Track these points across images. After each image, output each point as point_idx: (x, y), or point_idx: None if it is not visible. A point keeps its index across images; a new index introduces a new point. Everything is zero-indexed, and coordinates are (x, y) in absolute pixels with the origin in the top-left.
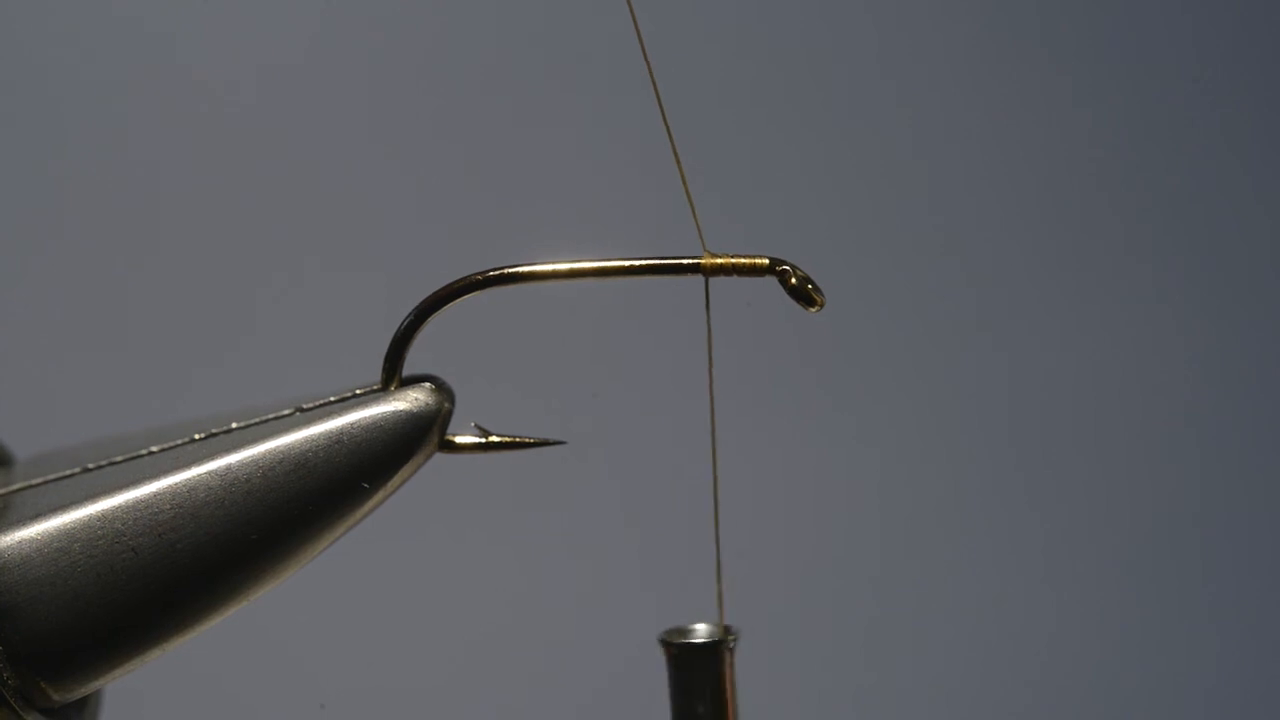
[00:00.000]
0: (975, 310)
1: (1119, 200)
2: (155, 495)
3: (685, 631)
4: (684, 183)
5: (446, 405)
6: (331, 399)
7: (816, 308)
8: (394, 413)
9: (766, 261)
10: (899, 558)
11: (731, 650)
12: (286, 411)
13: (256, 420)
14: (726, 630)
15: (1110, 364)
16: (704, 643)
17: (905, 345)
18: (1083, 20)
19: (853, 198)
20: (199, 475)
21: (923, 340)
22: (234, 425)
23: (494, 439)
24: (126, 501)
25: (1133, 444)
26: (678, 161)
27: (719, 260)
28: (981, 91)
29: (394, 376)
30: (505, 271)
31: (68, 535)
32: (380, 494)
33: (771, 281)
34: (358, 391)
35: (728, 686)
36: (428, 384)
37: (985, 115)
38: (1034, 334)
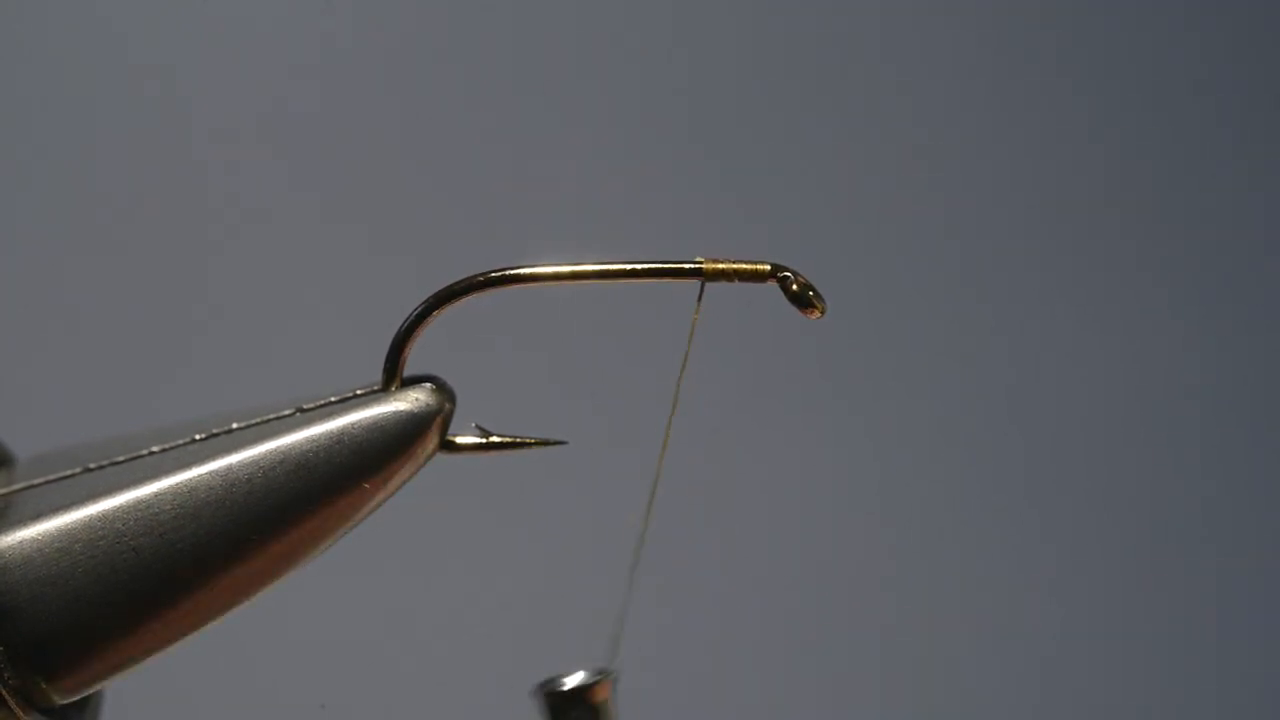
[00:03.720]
0: (979, 315)
1: (1124, 202)
2: (156, 495)
3: (559, 680)
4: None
5: (447, 405)
6: (332, 399)
7: (818, 314)
8: (395, 413)
9: (768, 267)
10: (905, 560)
11: (608, 693)
12: (287, 412)
13: (257, 420)
14: (603, 674)
15: (1116, 366)
16: (575, 689)
17: (909, 351)
18: (1087, 23)
19: (856, 202)
20: (200, 475)
21: (927, 345)
22: (235, 425)
23: (495, 439)
24: (127, 501)
25: (1139, 446)
26: None
27: (720, 265)
28: (984, 94)
29: (395, 377)
30: (507, 273)
31: (69, 535)
32: (381, 494)
33: (774, 287)
34: (358, 392)
35: None
36: (429, 384)
37: (987, 117)
38: (1039, 337)
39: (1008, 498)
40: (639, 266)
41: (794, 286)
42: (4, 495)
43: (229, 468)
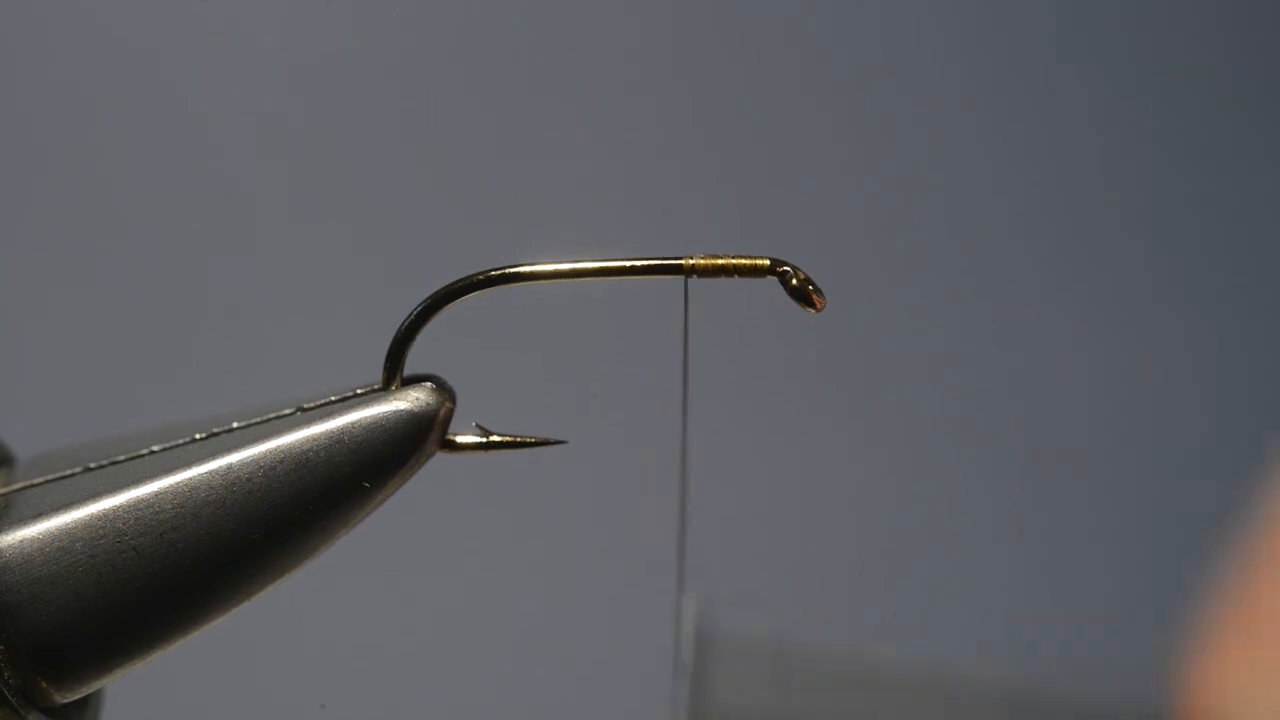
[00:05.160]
0: (981, 313)
1: (1128, 202)
2: (157, 495)
3: None
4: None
5: (448, 405)
6: (333, 399)
7: (817, 310)
8: (395, 412)
9: (767, 262)
10: (906, 562)
11: None
12: (288, 411)
13: (258, 420)
14: None
15: (1117, 365)
16: None
17: (912, 348)
18: (1089, 24)
19: (857, 198)
20: (200, 474)
21: (929, 343)
22: (235, 425)
23: (495, 438)
24: (128, 501)
25: (1141, 446)
26: None
27: (719, 261)
28: (985, 92)
29: (395, 376)
30: (507, 271)
31: (69, 534)
32: (381, 493)
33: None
34: (359, 391)
35: None
36: (429, 384)
37: (988, 115)
38: (1042, 338)
39: (1008, 497)
40: (638, 264)
41: (794, 281)
42: (4, 495)
43: (229, 467)
